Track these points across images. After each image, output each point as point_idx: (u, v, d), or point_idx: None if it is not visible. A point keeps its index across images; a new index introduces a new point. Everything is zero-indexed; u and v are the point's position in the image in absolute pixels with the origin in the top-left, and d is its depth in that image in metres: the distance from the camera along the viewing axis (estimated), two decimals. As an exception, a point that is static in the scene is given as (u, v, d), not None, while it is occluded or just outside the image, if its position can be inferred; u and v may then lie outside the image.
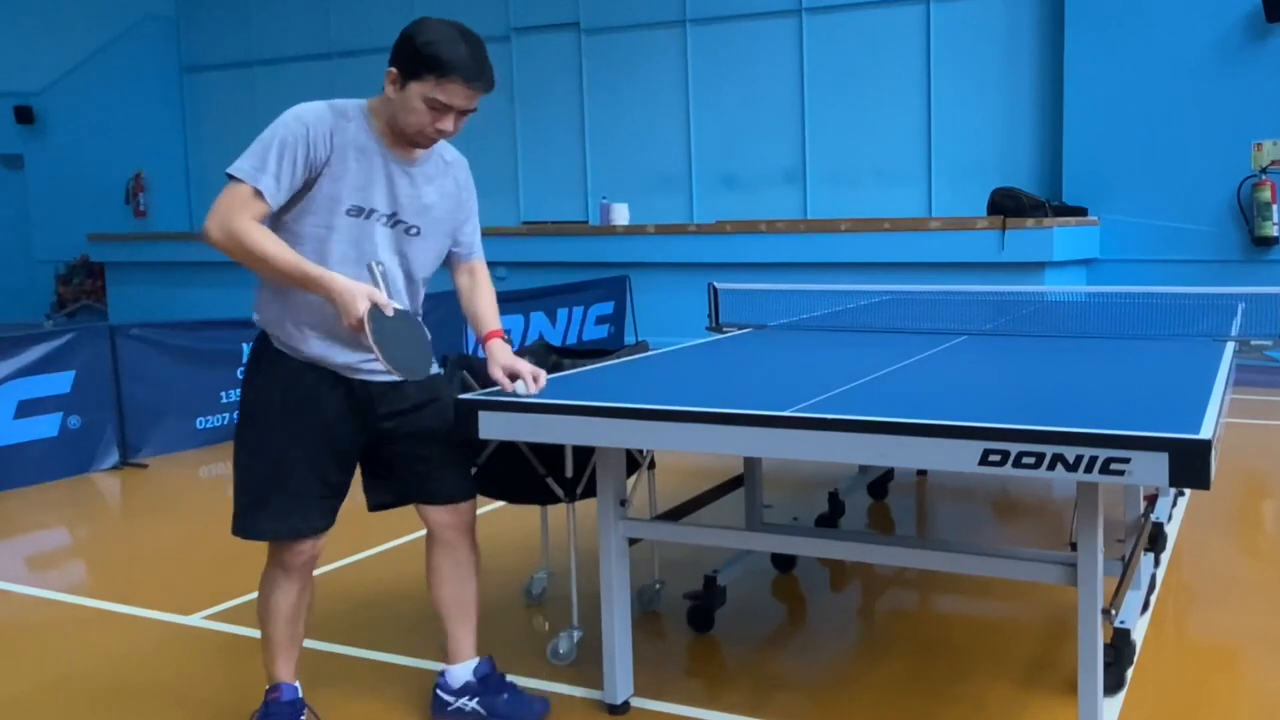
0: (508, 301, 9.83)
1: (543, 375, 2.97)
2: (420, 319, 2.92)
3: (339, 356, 2.84)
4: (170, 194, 16.33)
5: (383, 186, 2.80)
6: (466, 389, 3.49)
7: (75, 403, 6.65)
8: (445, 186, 2.95)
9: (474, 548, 3.09)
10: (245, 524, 2.89)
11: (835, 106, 11.97)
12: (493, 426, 2.94)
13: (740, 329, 5.06)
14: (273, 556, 2.94)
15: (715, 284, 5.62)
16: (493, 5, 13.60)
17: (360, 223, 2.77)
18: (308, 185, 2.72)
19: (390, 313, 2.66)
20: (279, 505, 2.86)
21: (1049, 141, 11.02)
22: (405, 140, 2.80)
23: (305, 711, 3.06)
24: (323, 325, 2.80)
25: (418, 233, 2.89)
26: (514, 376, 2.95)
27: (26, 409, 6.45)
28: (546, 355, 4.05)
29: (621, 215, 12.01)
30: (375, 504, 3.05)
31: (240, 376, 7.76)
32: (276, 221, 2.75)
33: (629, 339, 10.95)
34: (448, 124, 2.75)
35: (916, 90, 11.60)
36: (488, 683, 3.07)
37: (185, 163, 16.44)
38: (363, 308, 2.59)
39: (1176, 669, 3.48)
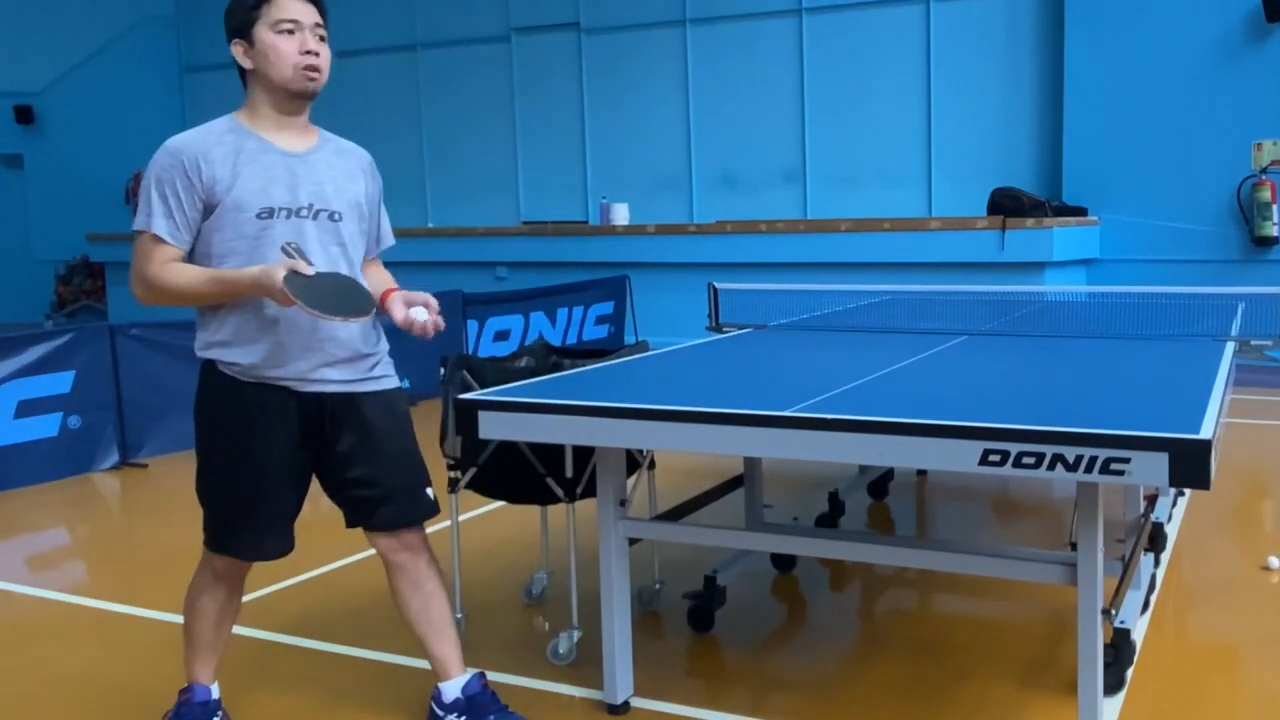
0: (508, 301, 9.84)
1: (433, 302, 2.85)
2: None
3: (287, 366, 2.79)
4: (170, 194, 16.31)
5: (283, 182, 2.76)
6: (466, 389, 3.49)
7: (75, 403, 6.65)
8: (349, 168, 2.91)
9: (431, 563, 3.00)
10: (220, 545, 2.90)
11: (835, 106, 11.97)
12: (493, 426, 2.94)
13: (740, 329, 5.06)
14: (210, 562, 2.94)
15: (715, 284, 5.62)
16: (493, 5, 13.59)
17: (274, 223, 2.74)
18: (208, 208, 2.71)
19: (310, 272, 2.64)
20: (251, 532, 2.86)
21: (1049, 141, 11.02)
22: (291, 94, 2.76)
23: (219, 713, 3.06)
24: (263, 333, 2.77)
25: (341, 218, 2.85)
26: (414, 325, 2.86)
27: (26, 409, 6.45)
28: (546, 355, 4.05)
29: (621, 215, 12.01)
30: (348, 520, 3.00)
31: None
32: (199, 252, 2.74)
33: (629, 339, 10.95)
34: (311, 42, 2.74)
35: (916, 90, 11.60)
36: (475, 703, 3.02)
37: (185, 163, 16.42)
38: (280, 275, 2.58)
39: (1176, 669, 3.48)
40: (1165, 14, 10.15)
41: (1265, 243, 9.87)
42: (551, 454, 3.63)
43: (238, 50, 2.77)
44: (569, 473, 3.63)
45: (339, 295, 2.67)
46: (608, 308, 10.91)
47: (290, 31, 2.73)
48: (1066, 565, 2.75)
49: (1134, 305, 5.35)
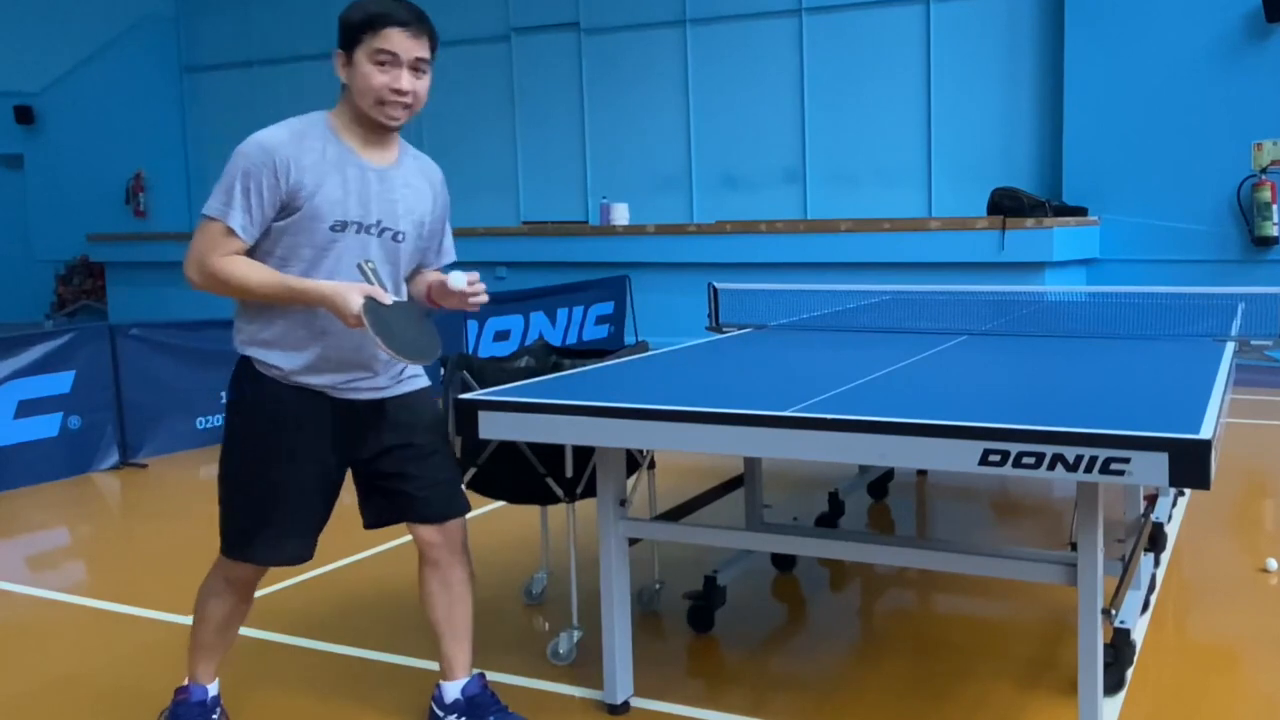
0: (508, 302, 9.84)
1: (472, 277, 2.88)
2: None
3: (327, 375, 2.81)
4: (170, 194, 16.33)
5: (359, 196, 2.76)
6: (466, 389, 3.49)
7: (75, 403, 6.65)
8: (420, 188, 2.92)
9: (465, 566, 3.03)
10: (238, 549, 2.88)
11: (835, 106, 11.97)
12: (493, 426, 2.94)
13: (740, 329, 5.06)
14: (222, 568, 2.93)
15: (715, 284, 5.62)
16: (493, 5, 13.60)
17: (344, 236, 2.74)
18: (285, 210, 2.70)
19: (388, 302, 2.65)
20: (273, 533, 2.85)
21: (1049, 141, 11.02)
22: (373, 122, 2.75)
23: (218, 710, 3.06)
24: (310, 341, 2.78)
25: (403, 239, 2.87)
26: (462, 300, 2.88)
27: (26, 409, 6.45)
28: (546, 355, 4.05)
29: (621, 215, 12.01)
30: (369, 522, 3.02)
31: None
32: (262, 249, 2.73)
33: (629, 339, 10.95)
34: (402, 79, 2.71)
35: (916, 90, 11.60)
36: (475, 703, 3.03)
37: (185, 163, 16.44)
38: (357, 303, 2.59)
39: (1176, 669, 3.48)
40: (1165, 14, 10.15)
41: (1265, 243, 9.87)
42: (551, 454, 3.63)
43: (337, 60, 2.75)
44: (569, 473, 3.63)
45: (409, 333, 2.66)
46: (608, 308, 10.90)
47: (385, 64, 2.70)
48: (1066, 565, 2.75)
49: (1134, 305, 5.35)
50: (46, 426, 6.55)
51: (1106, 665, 2.98)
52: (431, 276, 2.97)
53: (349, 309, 2.60)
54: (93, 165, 16.02)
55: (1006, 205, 9.91)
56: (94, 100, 16.07)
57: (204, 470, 6.85)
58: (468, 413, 2.95)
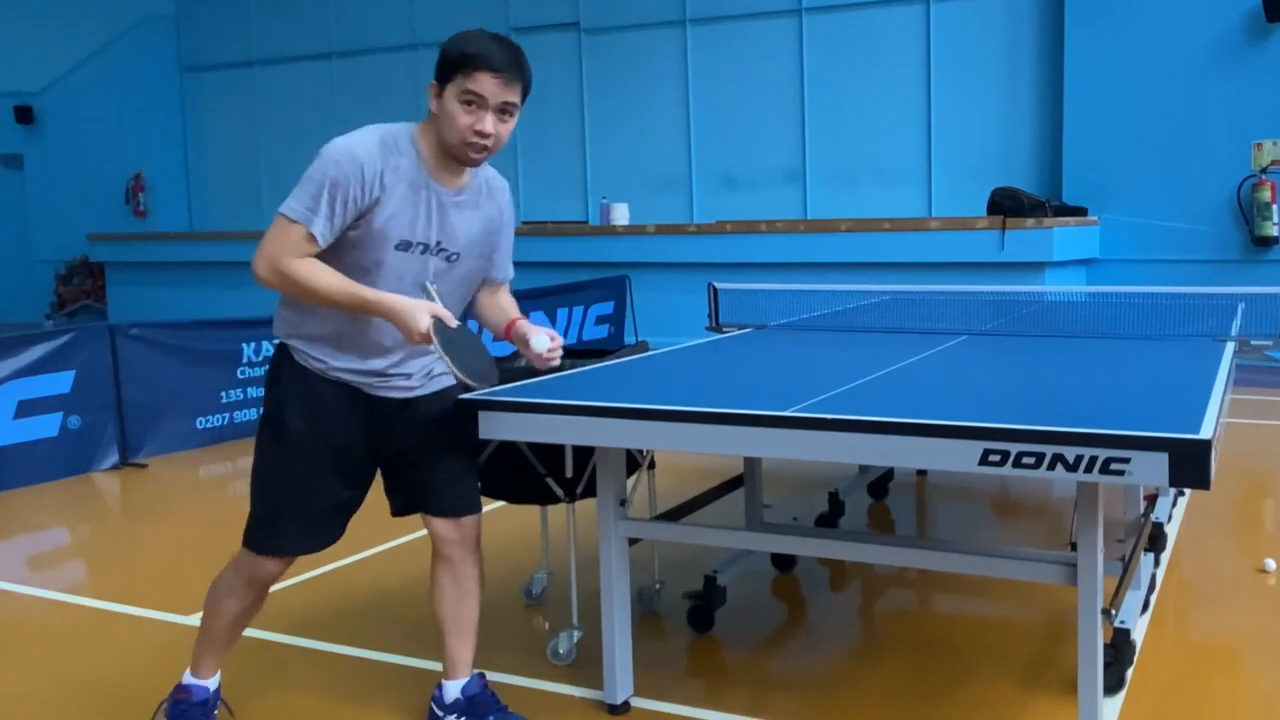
0: (508, 301, 9.84)
1: (556, 338, 2.96)
2: None
3: (367, 375, 2.85)
4: (170, 194, 16.32)
5: (427, 218, 2.79)
6: (467, 389, 3.49)
7: (75, 403, 6.65)
8: (489, 212, 2.94)
9: (477, 564, 3.06)
10: (261, 539, 2.90)
11: (835, 106, 11.97)
12: (493, 426, 2.94)
13: (740, 329, 5.06)
14: (242, 565, 2.94)
15: (715, 284, 5.62)
16: (493, 5, 13.60)
17: (407, 255, 2.78)
18: (357, 221, 2.72)
19: (453, 324, 2.72)
20: (298, 523, 2.88)
21: (1049, 141, 11.02)
22: (453, 157, 2.77)
23: (219, 705, 3.08)
24: (360, 346, 2.82)
25: (457, 259, 2.89)
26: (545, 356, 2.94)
27: (26, 409, 6.45)
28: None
29: (621, 215, 12.01)
30: (395, 510, 3.06)
31: (240, 377, 7.78)
32: (326, 254, 2.75)
33: (629, 339, 10.95)
34: (486, 123, 2.71)
35: (916, 90, 11.60)
36: (475, 703, 3.05)
37: (185, 163, 16.43)
38: (425, 322, 2.64)
39: (1176, 669, 3.48)
40: (1165, 14, 10.15)
41: (1265, 243, 9.87)
42: (551, 454, 3.63)
43: (431, 90, 2.76)
44: (569, 473, 3.64)
45: (470, 356, 2.72)
46: (608, 308, 10.90)
47: (472, 104, 2.70)
48: (1066, 565, 2.75)
49: (1134, 305, 5.35)
50: (46, 426, 6.55)
51: (1106, 665, 2.98)
52: (518, 321, 2.99)
53: (416, 326, 2.64)
54: (93, 165, 16.02)
55: (1006, 205, 9.91)
56: (94, 100, 16.07)
57: (204, 470, 6.85)
58: (468, 413, 2.95)
